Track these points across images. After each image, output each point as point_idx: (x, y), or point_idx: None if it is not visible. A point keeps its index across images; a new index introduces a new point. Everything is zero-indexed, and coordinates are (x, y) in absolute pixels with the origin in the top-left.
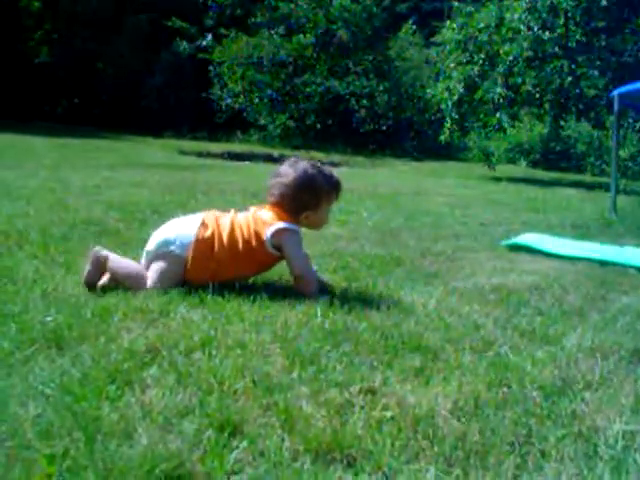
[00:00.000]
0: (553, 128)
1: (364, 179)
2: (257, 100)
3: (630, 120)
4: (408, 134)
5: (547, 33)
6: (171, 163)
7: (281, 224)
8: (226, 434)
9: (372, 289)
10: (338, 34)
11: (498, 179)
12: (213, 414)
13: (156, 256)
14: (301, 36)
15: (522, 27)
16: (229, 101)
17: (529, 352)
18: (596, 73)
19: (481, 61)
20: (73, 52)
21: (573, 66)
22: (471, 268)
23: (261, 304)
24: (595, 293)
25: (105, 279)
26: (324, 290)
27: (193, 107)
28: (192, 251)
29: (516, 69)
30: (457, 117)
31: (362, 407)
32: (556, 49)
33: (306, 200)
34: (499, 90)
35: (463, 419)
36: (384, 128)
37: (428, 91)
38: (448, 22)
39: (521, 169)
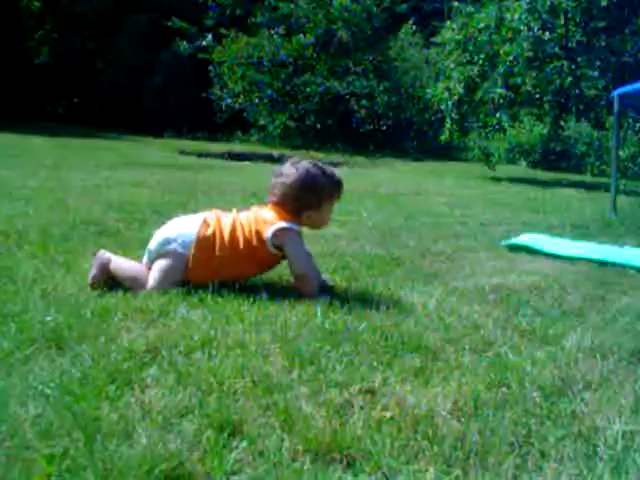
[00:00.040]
0: (553, 128)
1: (364, 179)
2: (257, 100)
3: (630, 120)
4: (408, 134)
5: (547, 33)
6: (171, 163)
7: (282, 223)
8: (226, 434)
9: (372, 289)
10: (338, 34)
11: (498, 179)
12: (213, 414)
13: (158, 255)
14: (301, 36)
15: (522, 27)
16: (229, 101)
17: (529, 352)
18: (596, 73)
19: (481, 61)
20: (73, 52)
21: (573, 66)
22: (471, 268)
23: (261, 304)
24: (595, 293)
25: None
26: (325, 290)
27: (193, 107)
28: (193, 250)
29: (516, 69)
30: (457, 117)
31: (362, 407)
32: (556, 49)
33: (308, 200)
34: (499, 90)
35: (463, 419)
36: (384, 128)
37: (428, 91)
38: (448, 22)
39: (521, 169)
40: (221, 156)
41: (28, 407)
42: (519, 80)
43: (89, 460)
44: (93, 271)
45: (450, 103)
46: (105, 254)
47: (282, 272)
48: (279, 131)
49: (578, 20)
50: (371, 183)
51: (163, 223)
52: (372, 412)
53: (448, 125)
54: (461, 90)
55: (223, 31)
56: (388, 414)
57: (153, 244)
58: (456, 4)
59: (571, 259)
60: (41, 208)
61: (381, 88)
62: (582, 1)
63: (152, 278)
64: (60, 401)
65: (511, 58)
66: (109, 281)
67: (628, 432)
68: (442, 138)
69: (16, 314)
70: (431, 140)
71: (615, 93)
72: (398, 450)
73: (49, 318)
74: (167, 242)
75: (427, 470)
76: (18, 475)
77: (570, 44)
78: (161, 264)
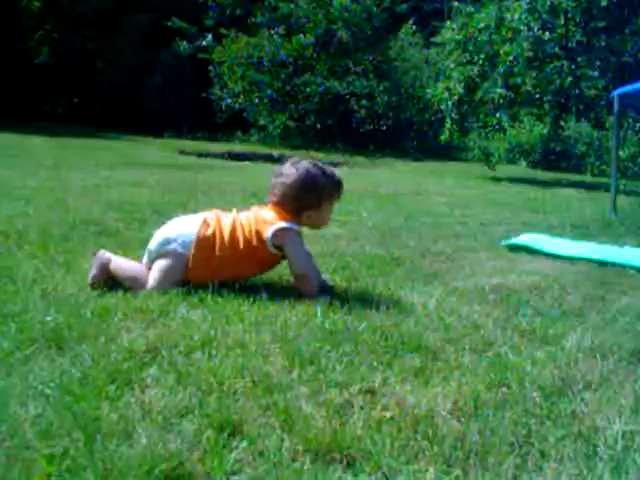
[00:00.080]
0: (553, 128)
1: (364, 179)
2: (257, 100)
3: (630, 120)
4: (408, 134)
5: (547, 33)
6: (171, 163)
7: (282, 223)
8: (226, 434)
9: (372, 289)
10: (338, 34)
11: (498, 179)
12: (213, 414)
13: (158, 255)
14: (301, 36)
15: (522, 27)
16: (229, 101)
17: (529, 352)
18: (596, 73)
19: (481, 61)
20: (73, 52)
21: (573, 66)
22: (471, 268)
23: (261, 304)
24: (595, 293)
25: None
26: (325, 290)
27: (193, 107)
28: (193, 250)
29: (516, 69)
30: (457, 117)
31: (362, 407)
32: (556, 49)
33: (308, 200)
34: (499, 90)
35: (463, 419)
36: (384, 128)
37: (428, 91)
38: (448, 22)
39: (521, 169)
40: (221, 156)
41: (28, 407)
42: (519, 80)
43: (89, 460)
44: (93, 271)
45: (450, 103)
46: (105, 254)
47: (282, 272)
48: (279, 131)
49: (578, 20)
50: (371, 183)
51: (163, 223)
52: (372, 412)
53: (448, 125)
54: (461, 90)
55: (223, 31)
56: (388, 414)
57: (153, 244)
58: (456, 4)
59: (571, 259)
60: (41, 208)
61: (381, 88)
62: (582, 1)
63: (152, 278)
64: (60, 401)
65: (511, 58)
66: (109, 281)
67: (628, 432)
68: (442, 138)
69: (16, 314)
70: (431, 140)
71: (615, 93)
72: (398, 450)
73: (49, 318)
74: (167, 242)
75: (427, 470)
76: (18, 475)
77: (570, 44)
78: (161, 264)
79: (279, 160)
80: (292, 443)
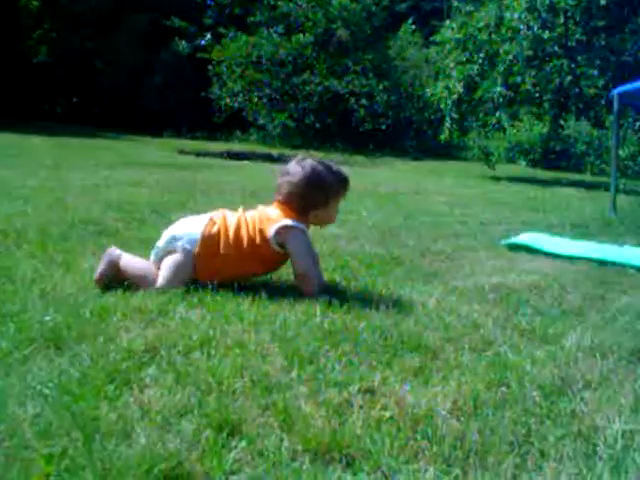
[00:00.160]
0: (553, 127)
1: (364, 178)
2: (256, 99)
3: (630, 119)
4: (408, 133)
5: (547, 32)
6: (170, 162)
7: (287, 221)
8: (225, 434)
9: (371, 288)
10: (337, 33)
11: (498, 178)
12: (212, 414)
13: (165, 252)
14: (300, 35)
15: (522, 26)
16: (228, 100)
17: (528, 352)
18: (596, 72)
19: (481, 60)
20: (72, 51)
21: (573, 65)
22: (471, 267)
23: (260, 304)
24: (594, 293)
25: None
26: (327, 290)
27: (192, 107)
28: (199, 248)
29: (516, 68)
30: (457, 116)
31: (361, 407)
32: (556, 48)
33: (314, 197)
34: (499, 89)
35: (462, 419)
36: (384, 127)
37: (428, 90)
38: (448, 21)
39: (521, 168)
40: (220, 155)
41: (27, 407)
42: (519, 79)
43: (88, 460)
44: (101, 266)
45: (450, 102)
46: (115, 250)
47: (282, 272)
48: (278, 130)
49: (578, 19)
50: (371, 182)
51: (162, 223)
52: (371, 412)
53: (448, 124)
54: (461, 89)
55: (222, 30)
56: (387, 414)
57: (161, 242)
58: (456, 3)
59: (571, 258)
60: (40, 207)
61: (380, 87)
62: (582, 0)
63: (161, 277)
64: (59, 401)
65: (511, 57)
66: (115, 278)
67: (628, 431)
68: (442, 137)
69: (15, 314)
70: (431, 139)
71: (615, 92)
72: (397, 449)
73: (48, 318)
74: (174, 239)
75: (427, 470)
76: (17, 475)
77: (570, 43)
78: (170, 262)
79: (278, 159)
80: (291, 443)
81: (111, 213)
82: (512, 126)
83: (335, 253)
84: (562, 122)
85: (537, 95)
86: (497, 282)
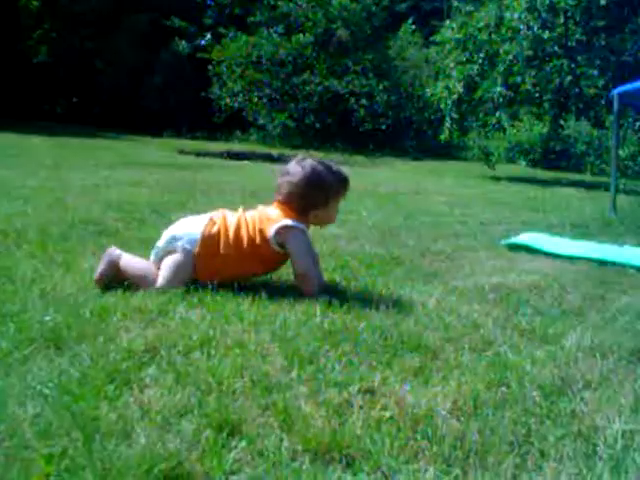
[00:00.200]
0: (553, 127)
1: (364, 178)
2: (256, 99)
3: (630, 119)
4: (408, 133)
5: (547, 32)
6: (170, 162)
7: (287, 221)
8: (225, 434)
9: (371, 288)
10: (337, 33)
11: (498, 178)
12: (212, 414)
13: (165, 252)
14: (300, 35)
15: (522, 26)
16: (228, 100)
17: (528, 352)
18: (596, 72)
19: (481, 60)
20: (72, 51)
21: (573, 65)
22: (471, 267)
23: (260, 304)
24: (594, 293)
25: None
26: (327, 290)
27: (192, 107)
28: (198, 248)
29: (516, 68)
30: (457, 116)
31: (361, 407)
32: (556, 48)
33: (314, 197)
34: (499, 89)
35: (462, 419)
36: (384, 127)
37: (428, 90)
38: (448, 21)
39: (521, 168)
40: (220, 155)
41: (27, 407)
42: (519, 79)
43: (88, 460)
44: (102, 266)
45: (450, 102)
46: (116, 250)
47: (282, 272)
48: (278, 130)
49: (578, 19)
50: (371, 182)
51: (162, 223)
52: (371, 412)
53: (448, 124)
54: (461, 89)
55: (222, 30)
56: (387, 414)
57: (161, 242)
58: (455, 3)
59: (571, 258)
60: (40, 207)
61: (380, 87)
62: (582, 0)
63: (162, 277)
64: (59, 401)
65: (511, 57)
66: (115, 278)
67: (628, 431)
68: (442, 137)
69: (15, 314)
70: (431, 139)
71: (615, 92)
72: (397, 450)
73: (48, 318)
74: (174, 239)
75: (427, 470)
76: (17, 475)
77: (570, 43)
78: (170, 262)
79: (278, 159)
80: (291, 443)
81: (111, 213)
82: (512, 126)
83: (335, 253)
84: (562, 122)
85: (537, 95)
86: (497, 282)
